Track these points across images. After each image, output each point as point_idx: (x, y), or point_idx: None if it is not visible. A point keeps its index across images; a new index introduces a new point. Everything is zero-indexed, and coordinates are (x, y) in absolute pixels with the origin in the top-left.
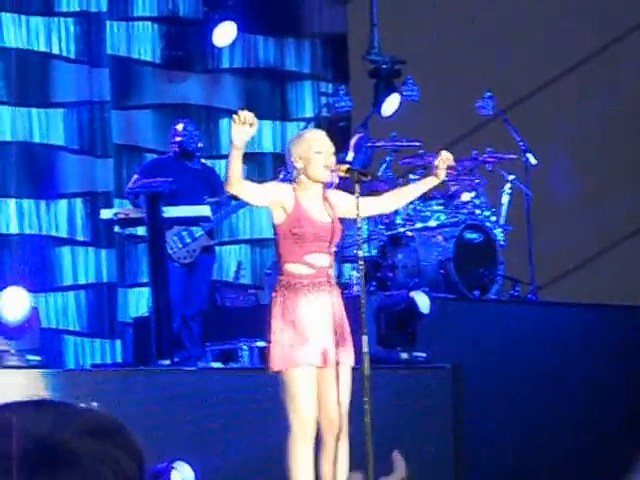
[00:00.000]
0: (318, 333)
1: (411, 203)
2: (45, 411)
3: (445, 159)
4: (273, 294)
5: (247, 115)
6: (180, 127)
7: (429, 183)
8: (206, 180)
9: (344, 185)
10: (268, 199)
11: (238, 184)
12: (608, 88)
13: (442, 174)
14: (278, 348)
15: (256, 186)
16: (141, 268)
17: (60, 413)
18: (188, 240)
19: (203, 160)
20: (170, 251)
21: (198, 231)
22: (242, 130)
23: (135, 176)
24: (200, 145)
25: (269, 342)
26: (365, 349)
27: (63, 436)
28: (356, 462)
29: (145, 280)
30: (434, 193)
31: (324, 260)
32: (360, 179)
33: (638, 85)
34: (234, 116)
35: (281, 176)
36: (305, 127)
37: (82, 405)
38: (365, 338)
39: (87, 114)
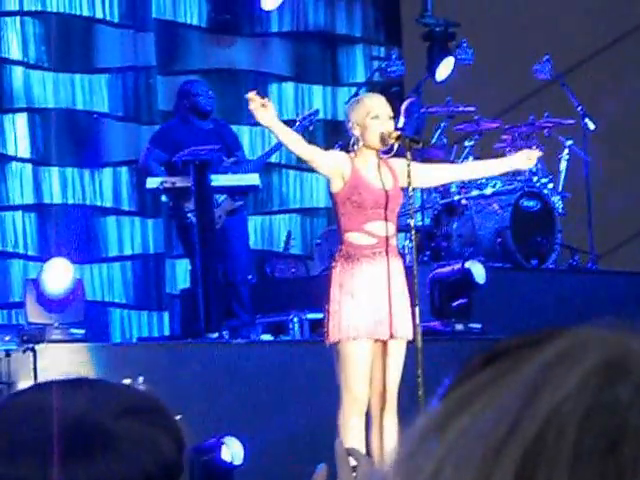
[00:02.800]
0: (376, 305)
1: None
2: (80, 391)
3: (532, 157)
4: (332, 264)
5: (253, 97)
6: (191, 87)
7: (501, 167)
8: (220, 138)
9: (398, 152)
10: (328, 164)
11: (300, 144)
12: None
13: (518, 164)
14: (335, 319)
15: (318, 149)
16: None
17: (96, 392)
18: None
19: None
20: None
21: (220, 196)
22: (260, 111)
23: (147, 146)
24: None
25: (327, 312)
26: (417, 321)
27: (98, 417)
28: None
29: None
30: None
31: (385, 229)
32: (412, 146)
33: None
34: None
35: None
36: (357, 92)
37: (120, 383)
38: (417, 310)
39: (132, 80)
